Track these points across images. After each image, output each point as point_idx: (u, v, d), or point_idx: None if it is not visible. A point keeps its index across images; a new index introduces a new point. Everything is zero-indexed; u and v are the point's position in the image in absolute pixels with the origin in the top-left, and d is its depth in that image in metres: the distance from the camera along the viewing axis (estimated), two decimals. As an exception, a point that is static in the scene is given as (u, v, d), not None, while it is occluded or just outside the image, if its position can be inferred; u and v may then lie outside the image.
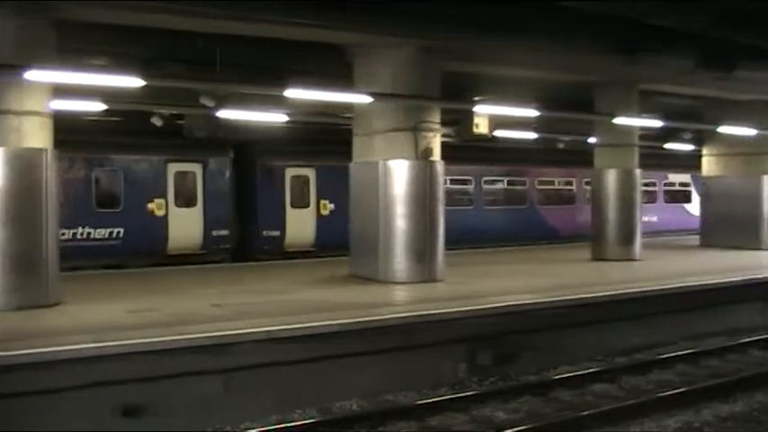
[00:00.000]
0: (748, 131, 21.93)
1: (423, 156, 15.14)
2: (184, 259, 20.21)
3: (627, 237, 20.04)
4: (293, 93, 14.07)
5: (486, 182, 27.25)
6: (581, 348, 13.52)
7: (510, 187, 27.83)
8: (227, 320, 11.03)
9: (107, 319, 11.18)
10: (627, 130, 19.89)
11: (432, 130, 15.37)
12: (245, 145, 22.34)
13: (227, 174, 21.93)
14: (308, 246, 22.91)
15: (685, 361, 13.44)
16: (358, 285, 14.92)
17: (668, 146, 27.76)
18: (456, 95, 17.81)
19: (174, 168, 21.10)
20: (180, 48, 15.33)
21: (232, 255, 21.85)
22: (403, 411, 10.44)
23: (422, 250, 15.27)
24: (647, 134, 24.44)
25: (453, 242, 17.19)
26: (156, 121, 19.26)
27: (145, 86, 13.04)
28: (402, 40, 14.56)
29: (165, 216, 20.77)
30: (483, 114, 18.61)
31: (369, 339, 11.27)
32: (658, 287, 15.14)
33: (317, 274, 16.60)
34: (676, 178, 31.19)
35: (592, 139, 21.46)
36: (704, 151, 24.92)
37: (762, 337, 15.29)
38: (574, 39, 14.79)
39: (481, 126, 19.12)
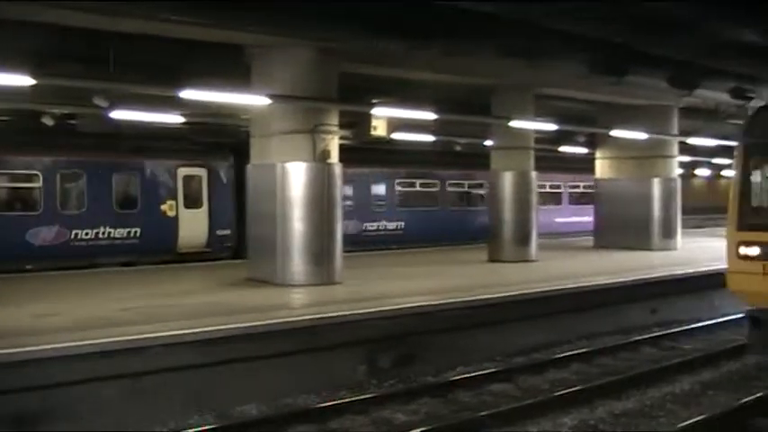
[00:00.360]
0: (639, 135, 22.49)
1: (321, 158, 15.08)
2: (192, 257, 21.70)
3: (523, 238, 20.31)
4: (189, 94, 13.86)
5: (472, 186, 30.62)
6: (479, 349, 13.64)
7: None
8: (123, 325, 10.80)
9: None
10: (523, 133, 20.18)
11: (330, 132, 15.33)
12: (241, 150, 22.49)
13: (228, 177, 23.35)
14: None
15: (580, 360, 13.68)
16: (256, 288, 14.78)
17: (562, 149, 28.35)
18: (354, 97, 17.81)
19: (183, 172, 22.60)
20: (74, 46, 14.90)
21: (233, 252, 23.01)
22: (303, 414, 10.36)
23: (320, 253, 15.20)
24: (543, 137, 24.88)
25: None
26: (48, 121, 18.93)
27: (36, 85, 12.64)
28: (300, 42, 14.48)
29: (176, 217, 22.16)
30: (381, 117, 18.64)
31: (265, 343, 11.15)
32: (553, 288, 15.41)
33: (219, 278, 16.38)
34: None
35: (489, 142, 21.70)
36: (597, 154, 25.47)
37: (652, 335, 15.70)
38: (471, 42, 14.89)
39: (379, 128, 19.16)
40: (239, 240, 22.87)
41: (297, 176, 15.06)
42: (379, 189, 27.69)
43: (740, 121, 19.89)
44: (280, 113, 15.09)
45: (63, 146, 20.76)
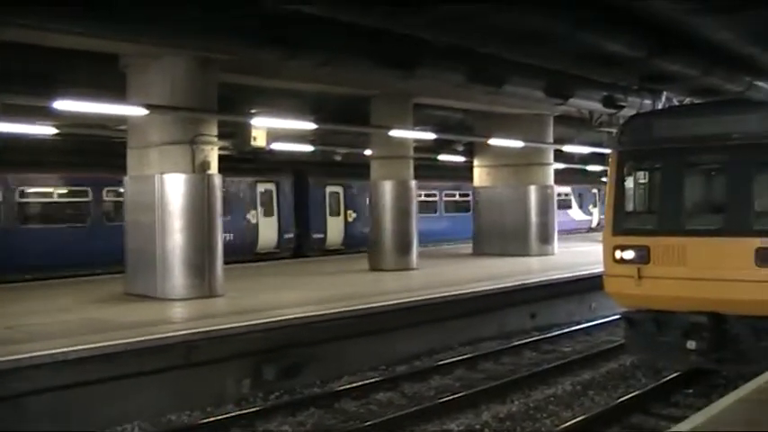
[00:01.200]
0: (516, 143, 22.90)
1: (200, 169, 14.83)
2: (266, 256, 26.25)
3: (404, 247, 20.38)
4: (64, 104, 13.43)
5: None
6: (363, 358, 13.64)
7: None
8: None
9: None
10: (402, 142, 20.29)
11: (209, 142, 15.09)
12: (299, 168, 28.85)
13: (290, 191, 28.52)
14: (340, 245, 30.06)
15: (464, 366, 13.84)
16: (135, 303, 14.39)
17: (441, 157, 28.73)
18: (233, 108, 17.61)
19: (260, 187, 27.43)
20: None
21: (293, 252, 28.07)
22: (186, 431, 10.16)
23: (201, 265, 14.92)
24: (422, 146, 25.12)
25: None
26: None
27: None
28: (177, 51, 14.23)
29: (257, 223, 26.83)
30: (261, 127, 18.46)
31: (148, 359, 10.88)
32: (434, 295, 15.50)
33: (94, 293, 15.90)
34: (560, 189, 35.19)
35: (368, 152, 21.76)
36: (475, 162, 25.79)
37: (533, 338, 16.00)
38: (348, 53, 14.88)
39: (259, 138, 18.97)
40: (298, 243, 28.68)
41: (176, 188, 14.75)
42: None
43: (613, 129, 20.57)
44: (158, 124, 14.78)
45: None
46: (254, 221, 26.97)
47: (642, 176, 12.47)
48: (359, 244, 27.59)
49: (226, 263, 20.46)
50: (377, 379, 12.77)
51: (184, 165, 14.75)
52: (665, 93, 21.44)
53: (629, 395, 11.43)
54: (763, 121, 11.23)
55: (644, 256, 11.32)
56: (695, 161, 11.86)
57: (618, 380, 12.75)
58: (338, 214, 30.61)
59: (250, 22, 13.13)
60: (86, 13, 11.73)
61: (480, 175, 25.64)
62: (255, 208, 27.01)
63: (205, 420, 10.54)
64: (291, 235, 28.33)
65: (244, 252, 25.23)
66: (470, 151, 26.53)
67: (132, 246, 15.57)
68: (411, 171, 20.69)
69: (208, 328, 11.81)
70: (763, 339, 10.75)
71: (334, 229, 30.27)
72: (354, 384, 12.40)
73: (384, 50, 15.07)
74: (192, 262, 14.84)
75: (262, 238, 27.22)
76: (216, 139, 15.37)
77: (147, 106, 14.14)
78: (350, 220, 30.96)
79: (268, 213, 27.58)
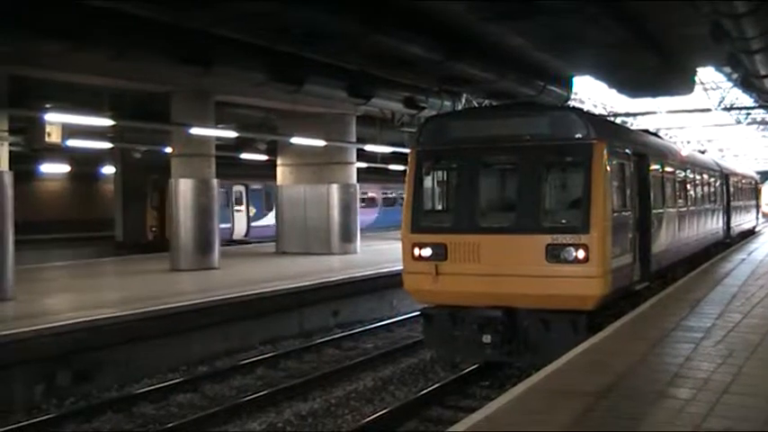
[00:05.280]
0: (317, 142, 23.01)
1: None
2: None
3: (205, 246, 20.04)
4: None
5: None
6: (162, 360, 13.37)
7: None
8: None
9: None
10: (203, 140, 19.97)
11: (-1, 138, 14.36)
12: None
13: None
14: None
15: (265, 365, 13.80)
16: None
17: (244, 156, 28.51)
18: (26, 102, 16.85)
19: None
20: None
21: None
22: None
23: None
24: (224, 144, 24.85)
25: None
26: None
27: None
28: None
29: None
30: (56, 123, 17.76)
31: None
32: (236, 294, 15.36)
33: None
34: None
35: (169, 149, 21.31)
36: (278, 161, 25.72)
37: (335, 336, 16.13)
38: (142, 47, 14.48)
39: (54, 134, 18.24)
40: None
41: (-41, 186, 13.98)
42: None
43: (414, 129, 21.06)
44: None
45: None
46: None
47: (439, 176, 12.77)
48: None
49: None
50: (176, 380, 12.53)
51: (-30, 162, 13.98)
52: (464, 95, 22.14)
53: (428, 389, 11.69)
54: (552, 124, 11.74)
55: (441, 254, 11.60)
56: (489, 161, 12.24)
57: (417, 374, 13.03)
58: None
59: (29, 12, 12.49)
60: None
61: (283, 174, 25.59)
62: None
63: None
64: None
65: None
66: (273, 150, 26.44)
67: None
68: (213, 169, 20.37)
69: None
70: (552, 331, 11.24)
71: None
72: (153, 387, 12.14)
73: (180, 46, 14.76)
74: (-22, 265, 14.09)
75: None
76: (6, 135, 14.64)
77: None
78: None
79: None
